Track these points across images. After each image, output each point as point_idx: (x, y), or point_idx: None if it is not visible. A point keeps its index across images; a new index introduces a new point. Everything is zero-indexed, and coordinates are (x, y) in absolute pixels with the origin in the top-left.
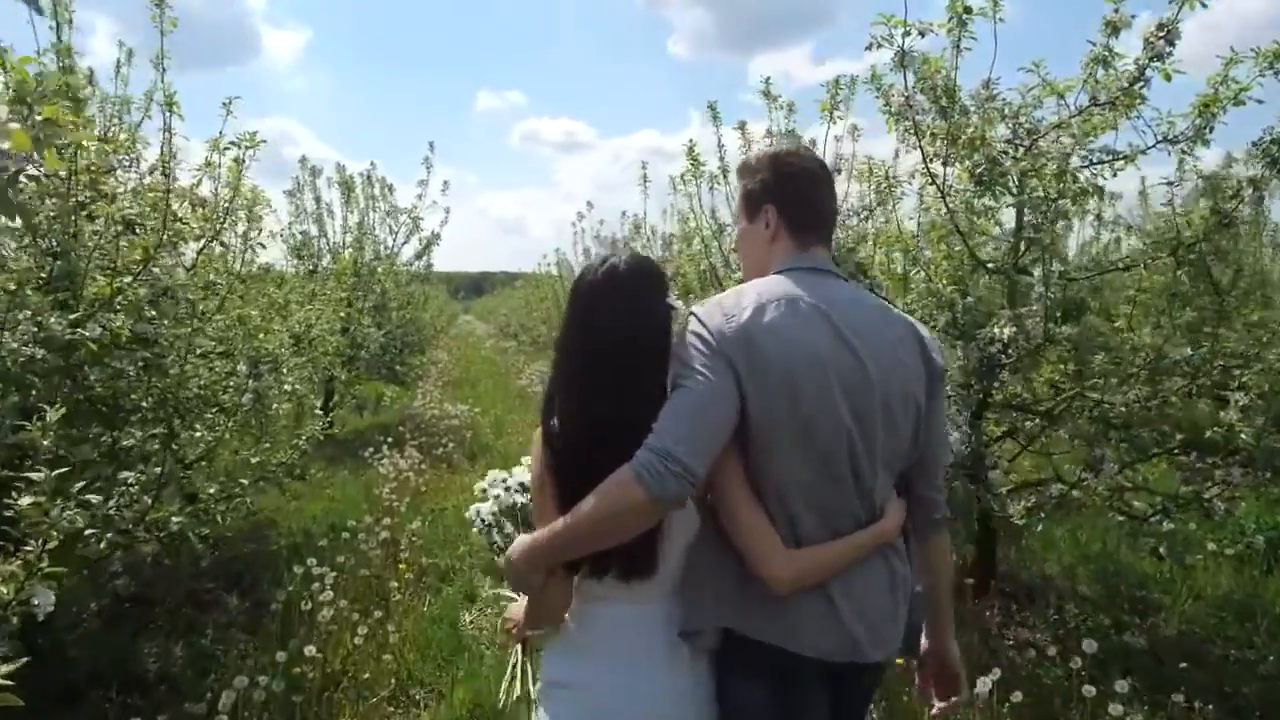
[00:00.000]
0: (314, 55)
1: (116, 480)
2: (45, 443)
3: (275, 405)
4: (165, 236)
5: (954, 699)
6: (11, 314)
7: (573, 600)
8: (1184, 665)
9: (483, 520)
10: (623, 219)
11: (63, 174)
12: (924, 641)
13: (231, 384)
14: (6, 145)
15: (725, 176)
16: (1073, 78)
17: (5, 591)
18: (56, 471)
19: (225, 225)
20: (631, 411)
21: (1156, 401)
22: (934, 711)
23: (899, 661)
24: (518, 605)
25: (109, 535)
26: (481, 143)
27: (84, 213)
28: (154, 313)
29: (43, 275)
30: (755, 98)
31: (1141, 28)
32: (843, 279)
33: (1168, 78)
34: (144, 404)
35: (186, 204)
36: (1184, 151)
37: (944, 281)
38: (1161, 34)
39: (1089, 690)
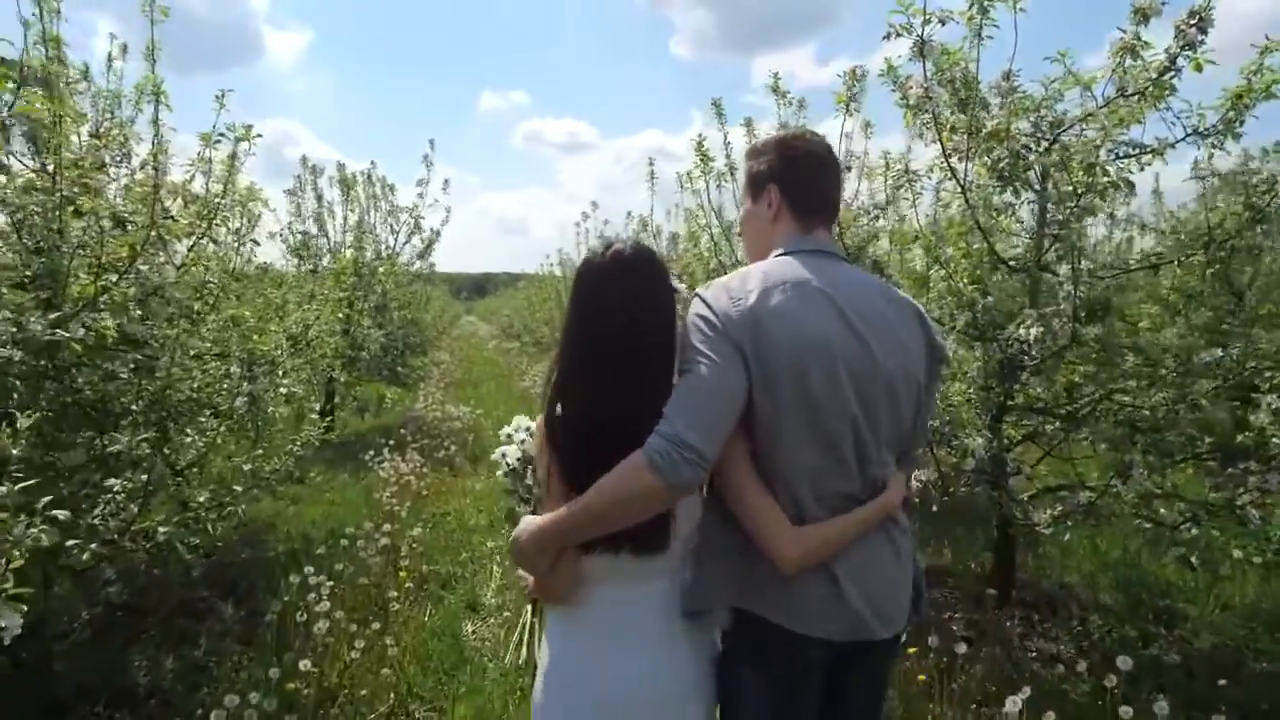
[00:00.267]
0: (316, 56)
1: (103, 487)
2: (15, 452)
3: (271, 408)
4: (153, 233)
5: None
6: None
7: (577, 584)
8: (1223, 682)
9: (508, 464)
10: (628, 218)
11: (50, 168)
12: None
13: (225, 386)
14: None
15: (732, 174)
16: (1097, 68)
17: None
18: (20, 485)
19: (216, 222)
20: (639, 395)
21: (1185, 404)
22: None
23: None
24: None
25: (93, 545)
26: (484, 143)
27: (70, 208)
28: (140, 312)
29: (28, 273)
30: (758, 98)
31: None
32: (845, 260)
33: (1199, 68)
34: (134, 407)
35: (179, 200)
36: (1214, 146)
37: (964, 280)
38: (1194, 21)
39: (1126, 712)
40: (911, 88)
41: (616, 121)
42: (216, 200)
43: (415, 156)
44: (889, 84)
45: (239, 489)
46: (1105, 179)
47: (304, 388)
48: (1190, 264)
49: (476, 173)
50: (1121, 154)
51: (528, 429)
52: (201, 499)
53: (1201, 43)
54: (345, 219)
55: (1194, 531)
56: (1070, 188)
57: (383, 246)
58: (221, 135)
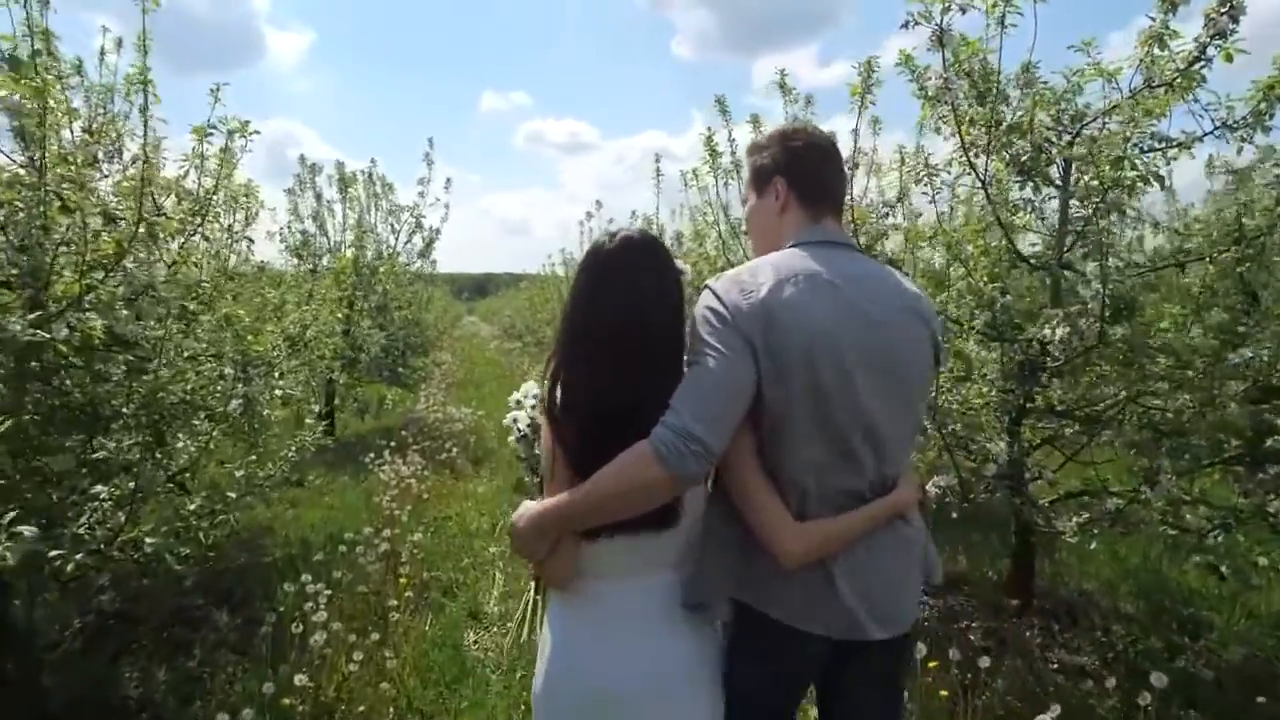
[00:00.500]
0: (318, 57)
1: (90, 495)
2: None
3: (267, 411)
4: (141, 229)
5: None
6: None
7: (576, 570)
8: (1261, 699)
9: (519, 429)
10: (632, 217)
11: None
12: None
13: (220, 389)
14: None
15: (738, 171)
16: (1124, 58)
17: None
18: None
19: (207, 218)
20: (646, 380)
21: (1212, 407)
22: None
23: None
24: None
25: (79, 556)
26: (485, 144)
27: (57, 205)
28: (126, 312)
29: (14, 271)
30: (759, 99)
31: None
32: (857, 250)
33: (1229, 58)
34: (125, 410)
35: (172, 197)
36: (1243, 139)
37: (984, 278)
38: (1225, 9)
39: None
40: (930, 78)
41: (618, 122)
42: (208, 195)
43: (417, 157)
44: (906, 75)
45: (233, 495)
46: (1134, 173)
47: (302, 389)
48: (1223, 261)
49: (478, 173)
50: (1147, 148)
51: (536, 395)
52: (192, 507)
53: (1233, 31)
54: (344, 218)
55: (1220, 539)
56: (1097, 182)
57: (383, 246)
58: (213, 128)
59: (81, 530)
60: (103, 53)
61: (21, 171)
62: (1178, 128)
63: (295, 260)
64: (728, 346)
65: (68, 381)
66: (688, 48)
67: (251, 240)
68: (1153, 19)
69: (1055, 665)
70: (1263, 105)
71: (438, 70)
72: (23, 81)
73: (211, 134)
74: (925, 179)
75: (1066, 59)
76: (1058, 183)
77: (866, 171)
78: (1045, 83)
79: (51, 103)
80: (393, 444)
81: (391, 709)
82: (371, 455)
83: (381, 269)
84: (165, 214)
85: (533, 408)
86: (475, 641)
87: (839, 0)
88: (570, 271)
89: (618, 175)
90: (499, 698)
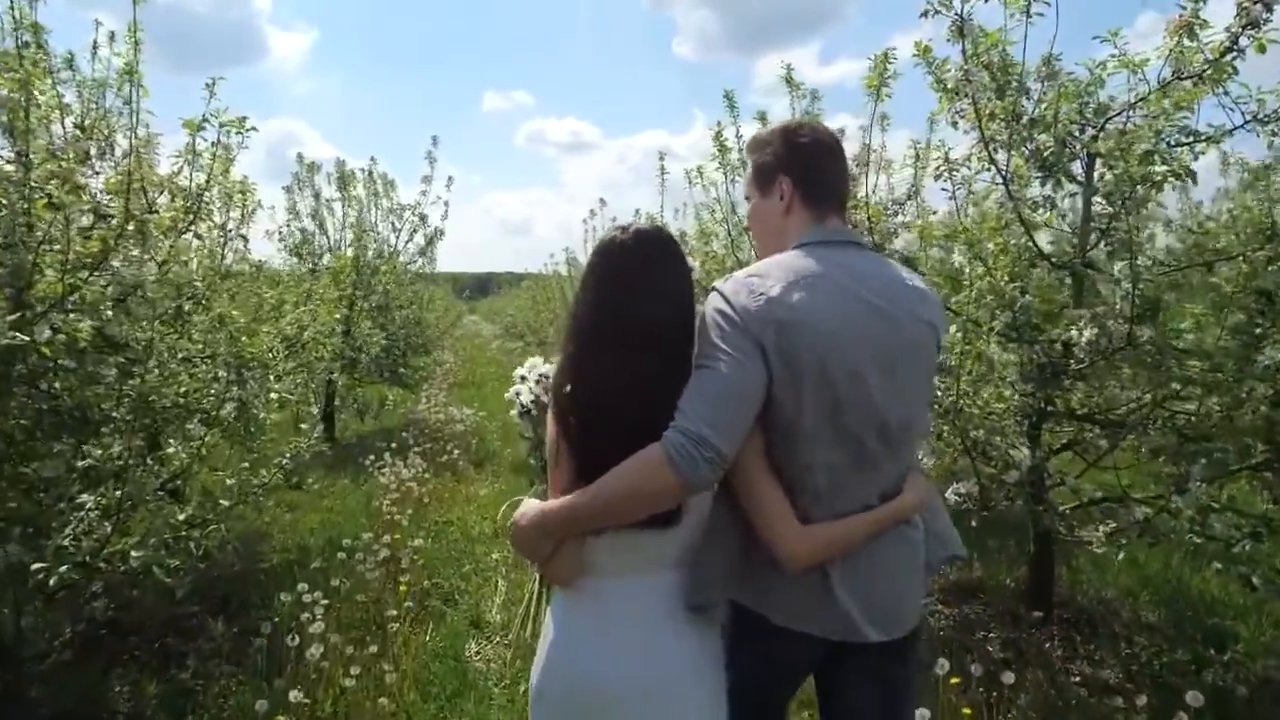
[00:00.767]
0: (320, 56)
1: (75, 504)
2: None
3: (263, 415)
4: (130, 227)
5: None
6: None
7: (581, 569)
8: None
9: (522, 405)
10: (635, 216)
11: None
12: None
13: (213, 391)
14: None
15: (745, 169)
16: (1149, 50)
17: None
18: None
19: (199, 215)
20: (653, 374)
21: (1241, 411)
22: None
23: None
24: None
25: (62, 569)
26: (487, 143)
27: (43, 201)
28: (110, 314)
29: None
30: (761, 98)
31: None
32: (865, 247)
33: (1262, 48)
34: (115, 414)
35: (165, 194)
36: (1274, 133)
37: (1004, 277)
38: None
39: None
40: (950, 70)
41: (619, 122)
42: (200, 192)
43: (419, 156)
44: (923, 67)
45: (226, 503)
46: (1164, 168)
47: (300, 392)
48: (1256, 259)
49: (480, 172)
50: (1175, 141)
51: (540, 371)
52: (182, 517)
53: (1267, 20)
54: (344, 216)
55: (1249, 548)
56: (1127, 177)
57: (385, 245)
58: (205, 122)
59: (66, 542)
60: (95, 47)
61: (9, 168)
62: (1203, 121)
63: (295, 260)
64: (738, 349)
65: (56, 384)
66: (689, 47)
67: (245, 238)
68: (1183, 8)
69: (1078, 678)
70: None
71: (440, 70)
72: (5, 75)
73: (205, 128)
74: (945, 174)
75: (1083, 52)
76: (1080, 179)
77: (876, 168)
78: (1070, 74)
79: (41, 97)
80: (393, 446)
81: None
82: (371, 457)
83: (382, 268)
84: (157, 211)
85: (536, 383)
86: (477, 652)
87: (840, 0)
88: (573, 271)
89: (620, 175)
90: (502, 711)
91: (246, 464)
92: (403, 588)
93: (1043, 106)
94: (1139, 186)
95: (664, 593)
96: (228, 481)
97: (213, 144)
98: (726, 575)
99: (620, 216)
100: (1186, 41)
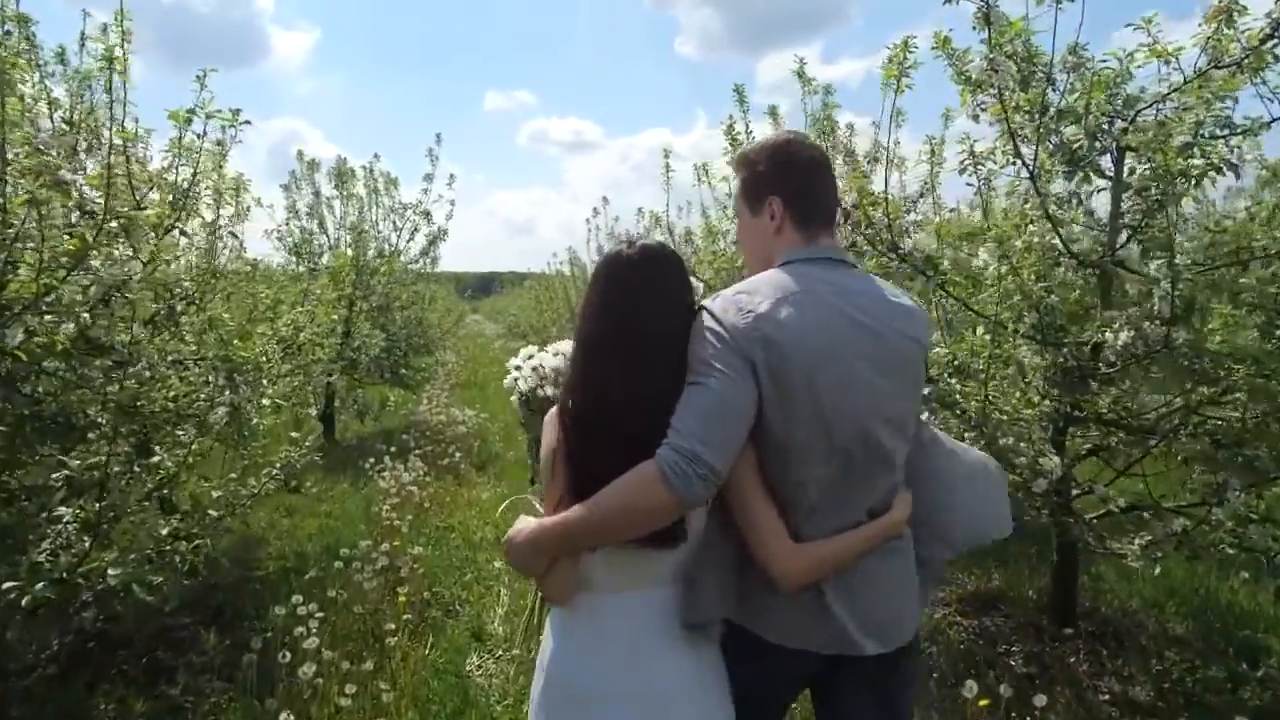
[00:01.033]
0: (323, 56)
1: (52, 516)
2: None
3: (256, 419)
4: (110, 223)
5: None
6: None
7: (576, 586)
8: None
9: (521, 393)
10: (638, 215)
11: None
12: None
13: (204, 396)
14: None
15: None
16: (1184, 39)
17: None
18: None
19: (186, 212)
20: (657, 392)
21: (1277, 417)
22: None
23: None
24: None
25: (38, 586)
26: (490, 143)
27: (20, 197)
28: (87, 314)
29: None
30: (765, 98)
31: None
32: (851, 265)
33: None
34: (101, 420)
35: (155, 191)
36: None
37: (1031, 276)
38: None
39: None
40: (972, 60)
41: (622, 121)
42: (187, 187)
43: (421, 155)
44: (945, 58)
45: (214, 514)
46: (1202, 161)
47: (297, 395)
48: None
49: (482, 172)
50: (1209, 134)
51: (535, 360)
52: (166, 530)
53: None
54: (342, 215)
55: None
56: (1165, 170)
57: (385, 244)
58: (192, 114)
59: (42, 558)
60: (83, 38)
61: None
62: (1238, 113)
63: (294, 259)
64: (729, 366)
65: (39, 389)
66: (692, 46)
67: (235, 235)
68: None
69: (1107, 696)
70: None
71: (442, 69)
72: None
73: (192, 120)
74: (970, 168)
75: (1102, 44)
76: (1109, 174)
77: (888, 165)
78: (1104, 61)
79: (24, 88)
80: (393, 449)
81: None
82: (371, 460)
83: (382, 268)
84: (144, 208)
85: (532, 371)
86: (479, 666)
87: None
88: (575, 271)
89: (622, 174)
90: None
91: (235, 474)
92: (401, 598)
93: (1073, 97)
94: (1178, 181)
95: (659, 608)
96: (214, 494)
97: (198, 135)
98: (722, 594)
99: (623, 216)
100: (1224, 29)
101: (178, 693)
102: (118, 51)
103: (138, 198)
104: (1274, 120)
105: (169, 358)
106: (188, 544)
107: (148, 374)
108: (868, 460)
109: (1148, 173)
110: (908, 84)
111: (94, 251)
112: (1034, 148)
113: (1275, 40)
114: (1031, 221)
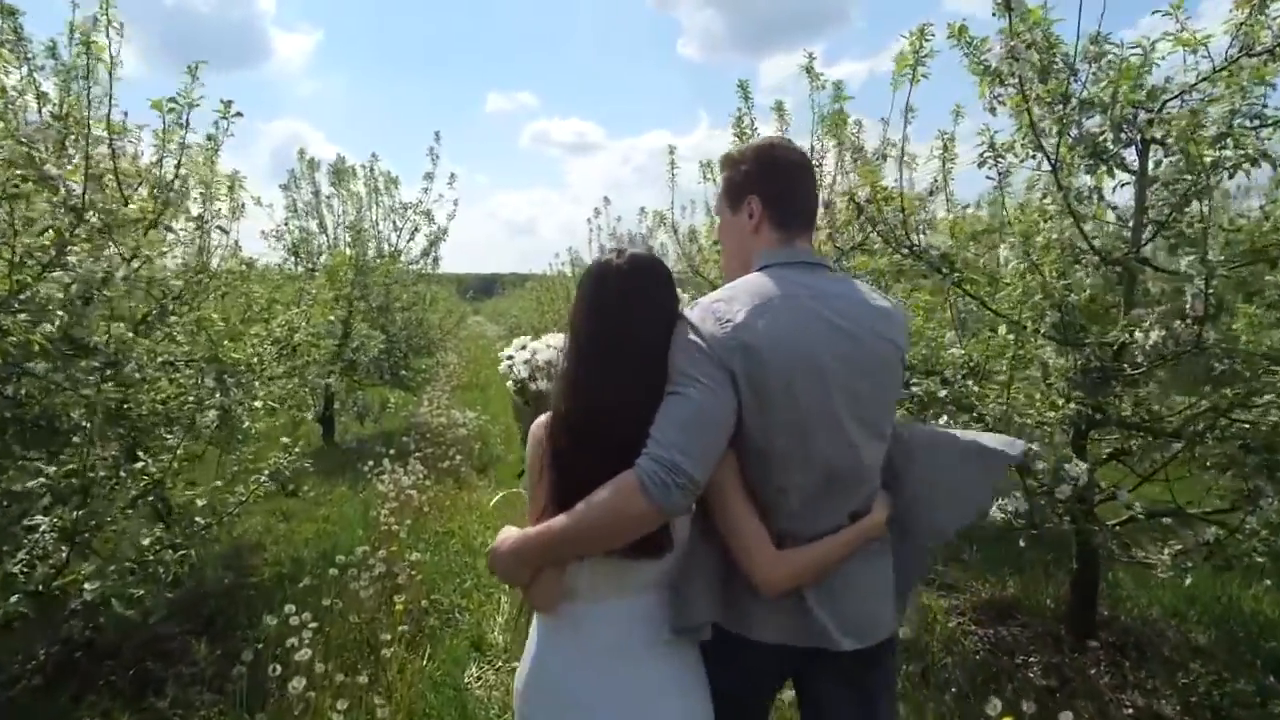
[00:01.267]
0: (324, 57)
1: (27, 525)
2: None
3: (248, 423)
4: (89, 217)
5: None
6: None
7: (561, 595)
8: None
9: (515, 380)
10: (641, 214)
11: None
12: None
13: (193, 398)
14: None
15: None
16: (1211, 26)
17: None
18: None
19: (169, 207)
20: (644, 400)
21: None
22: None
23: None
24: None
25: (12, 599)
26: (491, 144)
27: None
28: (61, 313)
29: None
30: (766, 99)
31: None
32: (829, 268)
33: None
34: (87, 424)
35: (143, 187)
36: None
37: (1053, 274)
38: None
39: None
40: (991, 48)
41: (623, 122)
42: (170, 182)
43: (423, 156)
44: (962, 48)
45: (201, 522)
46: (1238, 153)
47: (293, 397)
48: None
49: (484, 173)
50: (1238, 125)
51: (524, 354)
52: (147, 541)
53: None
54: (341, 214)
55: None
56: (1199, 162)
57: (385, 244)
58: (173, 102)
59: (16, 569)
60: (72, 29)
61: None
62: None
63: (292, 259)
64: (707, 376)
65: (22, 391)
66: (694, 48)
67: (224, 230)
68: None
69: (1131, 710)
70: None
71: (443, 70)
72: None
73: (175, 110)
74: (991, 161)
75: (1128, 33)
76: (1133, 167)
77: (902, 161)
78: (1133, 50)
79: (7, 80)
80: (393, 451)
81: None
82: (370, 463)
83: (380, 269)
84: (128, 200)
85: (525, 363)
86: (478, 678)
87: (845, 1)
88: (577, 271)
89: (624, 175)
90: None
91: (220, 482)
92: (399, 607)
93: (1100, 86)
94: (1209, 173)
95: (643, 616)
96: (198, 503)
97: (181, 125)
98: (709, 599)
99: (625, 217)
100: (1257, 14)
101: (166, 705)
102: (101, 39)
103: (125, 193)
104: None
105: (159, 359)
106: (173, 553)
107: (137, 375)
108: (847, 464)
109: (1177, 165)
110: (924, 73)
111: (73, 247)
112: (1056, 140)
113: None
114: (1050, 217)
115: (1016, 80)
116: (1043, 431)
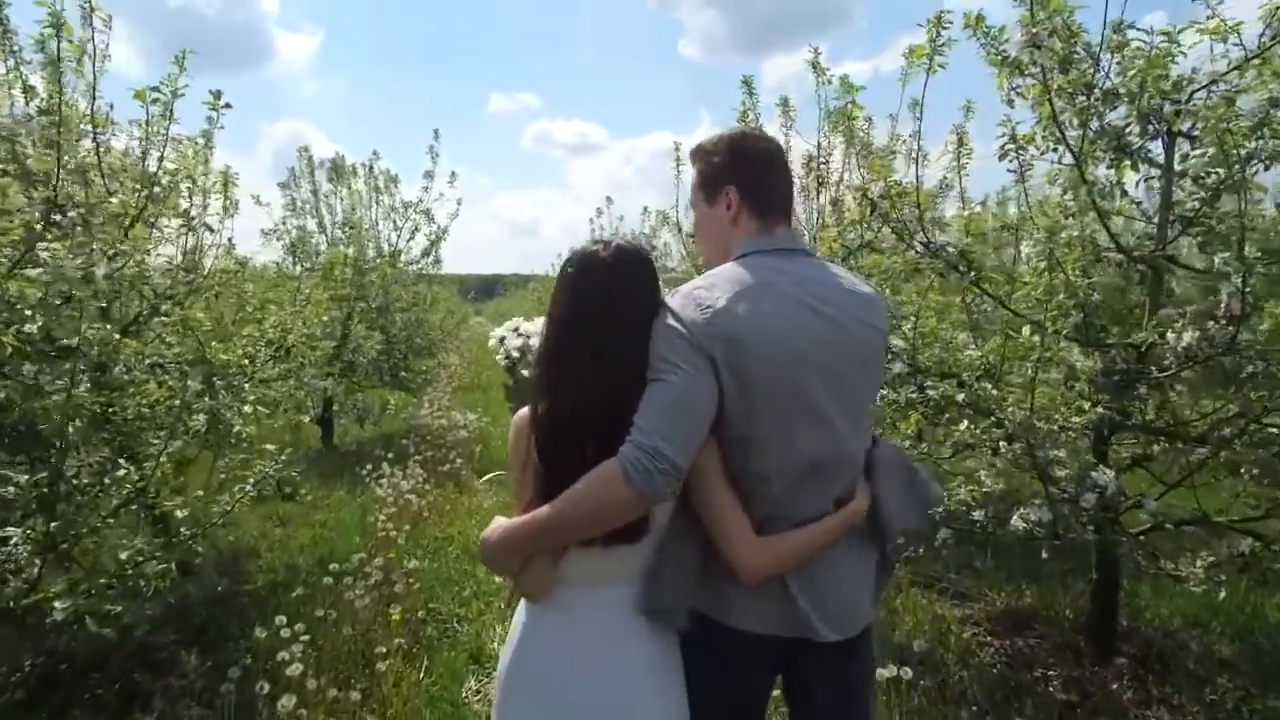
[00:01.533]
0: (327, 58)
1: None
2: None
3: (238, 427)
4: (66, 210)
5: None
6: None
7: (551, 584)
8: None
9: (506, 356)
10: (644, 213)
11: None
12: None
13: (179, 402)
14: None
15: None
16: (1242, 14)
17: None
18: None
19: (154, 203)
20: (627, 392)
21: None
22: None
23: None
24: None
25: None
26: (494, 145)
27: None
28: (29, 312)
29: None
30: (767, 99)
31: None
32: (810, 254)
33: None
34: (69, 429)
35: (130, 182)
36: None
37: (1076, 272)
38: None
39: None
40: (1012, 36)
41: (625, 123)
42: (153, 176)
43: (424, 156)
44: (979, 38)
45: (186, 532)
46: (1276, 143)
47: (289, 400)
48: None
49: (486, 174)
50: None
51: (517, 331)
52: (124, 555)
53: None
54: (339, 213)
55: None
56: (1236, 153)
57: (384, 243)
58: (155, 93)
59: None
60: (57, 21)
61: None
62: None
63: (291, 259)
64: (688, 363)
65: (2, 394)
66: (695, 48)
67: (211, 229)
68: None
69: None
70: None
71: (445, 71)
72: None
73: (156, 98)
74: (1013, 154)
75: (1151, 23)
76: (1159, 161)
77: (918, 157)
78: (1161, 40)
79: None
80: (391, 455)
81: None
82: (369, 467)
83: (379, 268)
84: (112, 193)
85: (517, 347)
86: (477, 692)
87: (846, 1)
88: None
89: (626, 176)
90: None
91: (201, 491)
92: (395, 617)
93: (1129, 74)
94: (1244, 165)
95: (629, 606)
96: (179, 513)
97: (165, 115)
98: (685, 584)
99: (627, 217)
100: None
101: None
102: (73, 24)
103: (110, 188)
104: None
105: (146, 361)
106: (155, 565)
107: (125, 378)
108: (829, 451)
109: (1208, 156)
110: (941, 63)
111: (51, 244)
112: (1081, 133)
113: None
114: (1071, 214)
115: (1038, 70)
116: (1067, 437)
